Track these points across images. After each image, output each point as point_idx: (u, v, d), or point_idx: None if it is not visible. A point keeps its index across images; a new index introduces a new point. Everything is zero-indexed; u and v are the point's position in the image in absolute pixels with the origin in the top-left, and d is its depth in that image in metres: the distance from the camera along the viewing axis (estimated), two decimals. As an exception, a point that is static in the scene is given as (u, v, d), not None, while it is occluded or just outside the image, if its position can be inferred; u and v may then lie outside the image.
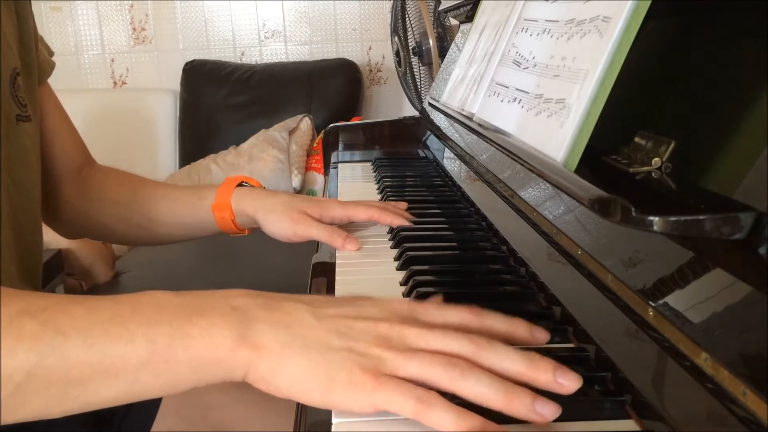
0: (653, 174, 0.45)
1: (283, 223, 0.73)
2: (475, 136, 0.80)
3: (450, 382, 0.37)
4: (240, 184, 0.79)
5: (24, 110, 0.66)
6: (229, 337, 0.39)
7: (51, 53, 0.78)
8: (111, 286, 1.78)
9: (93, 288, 1.78)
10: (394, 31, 1.69)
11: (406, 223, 0.75)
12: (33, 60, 0.70)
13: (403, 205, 0.81)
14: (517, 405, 0.36)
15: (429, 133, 1.24)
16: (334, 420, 0.40)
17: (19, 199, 0.66)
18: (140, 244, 0.88)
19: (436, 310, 0.43)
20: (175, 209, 0.80)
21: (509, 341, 0.42)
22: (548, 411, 0.36)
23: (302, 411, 0.44)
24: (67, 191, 0.80)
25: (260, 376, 0.39)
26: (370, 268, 0.67)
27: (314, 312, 0.41)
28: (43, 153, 0.75)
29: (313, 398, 0.38)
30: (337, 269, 0.66)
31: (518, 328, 0.44)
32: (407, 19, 1.63)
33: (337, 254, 0.70)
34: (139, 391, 0.40)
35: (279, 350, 0.39)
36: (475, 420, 0.36)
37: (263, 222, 0.75)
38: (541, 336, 0.45)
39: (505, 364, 0.39)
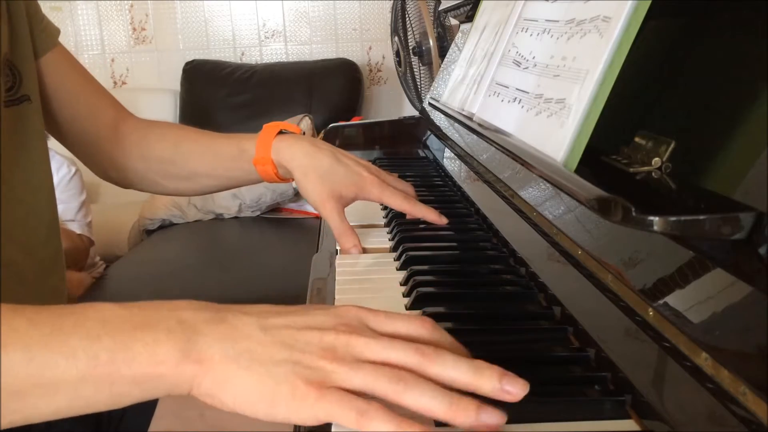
0: (653, 174, 0.45)
1: (312, 195, 0.72)
2: (475, 136, 0.80)
3: (395, 395, 0.37)
4: (280, 132, 0.77)
5: (10, 94, 0.66)
6: (173, 353, 0.39)
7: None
8: (111, 284, 1.78)
9: (91, 287, 1.78)
10: (394, 31, 1.69)
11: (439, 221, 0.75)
12: (26, 39, 0.69)
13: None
14: (462, 416, 0.36)
15: (429, 133, 1.24)
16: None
17: (23, 184, 0.67)
18: (189, 194, 0.87)
19: (385, 318, 0.43)
20: (218, 163, 0.80)
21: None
22: (493, 419, 0.36)
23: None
24: (108, 149, 0.81)
25: (205, 391, 0.39)
26: (370, 269, 0.67)
27: (261, 324, 0.41)
28: (70, 116, 0.76)
29: (258, 412, 0.38)
30: (337, 269, 0.66)
31: (464, 353, 0.42)
32: (407, 19, 1.63)
33: (337, 254, 0.70)
34: (81, 405, 0.39)
35: (224, 365, 0.39)
36: (414, 428, 0.36)
37: (297, 181, 0.74)
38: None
39: (451, 373, 0.38)
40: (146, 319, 0.40)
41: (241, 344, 0.40)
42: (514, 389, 0.37)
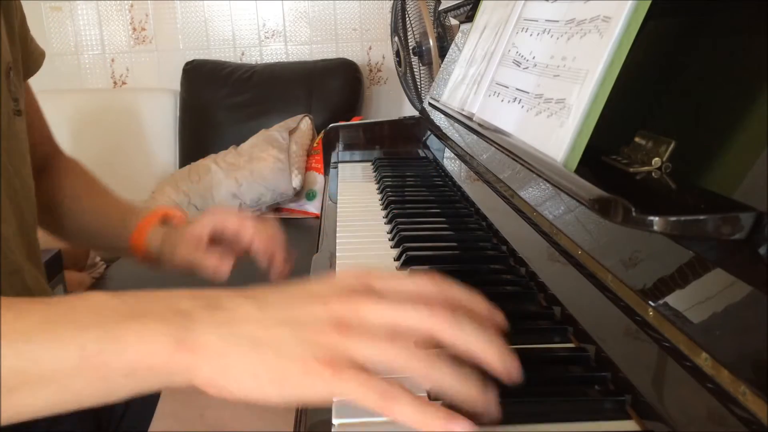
0: (653, 174, 0.45)
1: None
2: (475, 136, 0.80)
3: (413, 372, 0.36)
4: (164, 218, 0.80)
5: (16, 104, 0.67)
6: (166, 343, 0.36)
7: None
8: (111, 284, 1.78)
9: (91, 287, 1.78)
10: (394, 31, 1.69)
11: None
12: (19, 56, 0.70)
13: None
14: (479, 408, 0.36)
15: (429, 133, 1.24)
16: (335, 420, 0.39)
17: (22, 190, 0.68)
18: (67, 243, 0.89)
19: (391, 278, 0.41)
20: (106, 223, 0.82)
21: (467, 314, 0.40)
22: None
23: (302, 411, 0.44)
24: (43, 185, 0.80)
25: (206, 381, 0.37)
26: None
27: (258, 304, 0.39)
28: None
29: (268, 394, 0.36)
30: (337, 269, 0.66)
31: (478, 303, 0.41)
32: (407, 19, 1.63)
33: (337, 254, 0.70)
34: (72, 400, 0.37)
35: (223, 349, 0.37)
36: (439, 412, 0.34)
37: (166, 260, 0.79)
38: (499, 317, 0.41)
39: (468, 339, 0.37)
40: (139, 308, 0.38)
41: (240, 328, 0.37)
42: (515, 372, 0.36)
